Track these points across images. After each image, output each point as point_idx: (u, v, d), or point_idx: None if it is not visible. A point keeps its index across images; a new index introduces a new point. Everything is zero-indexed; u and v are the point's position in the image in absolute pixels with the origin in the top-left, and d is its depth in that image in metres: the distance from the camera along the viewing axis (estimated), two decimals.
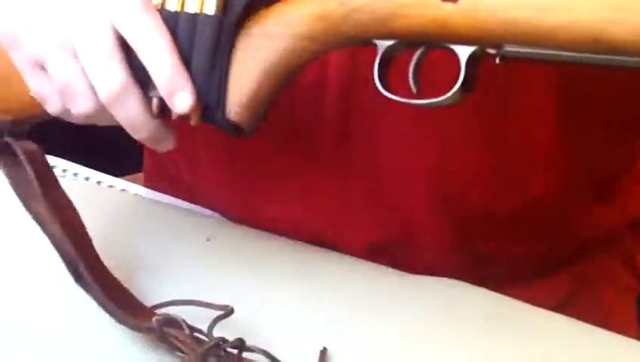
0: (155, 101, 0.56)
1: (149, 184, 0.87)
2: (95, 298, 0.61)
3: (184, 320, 0.57)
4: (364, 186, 0.71)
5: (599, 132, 0.71)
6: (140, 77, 0.55)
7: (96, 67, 0.54)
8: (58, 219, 0.61)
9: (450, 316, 0.63)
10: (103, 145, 0.68)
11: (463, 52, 0.49)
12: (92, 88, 0.55)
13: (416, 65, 0.53)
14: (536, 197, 0.71)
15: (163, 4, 0.55)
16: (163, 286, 0.66)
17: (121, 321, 0.60)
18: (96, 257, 0.62)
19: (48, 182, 0.63)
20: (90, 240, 0.63)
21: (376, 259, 0.71)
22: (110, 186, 0.85)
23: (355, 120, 0.69)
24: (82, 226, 0.63)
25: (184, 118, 0.55)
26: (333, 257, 0.71)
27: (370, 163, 0.70)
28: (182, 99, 0.54)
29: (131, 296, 0.63)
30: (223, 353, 0.56)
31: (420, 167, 0.69)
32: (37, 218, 0.63)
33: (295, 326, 0.62)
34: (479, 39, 0.48)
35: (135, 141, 0.59)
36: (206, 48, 0.54)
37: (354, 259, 0.70)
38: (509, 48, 0.47)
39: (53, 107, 0.59)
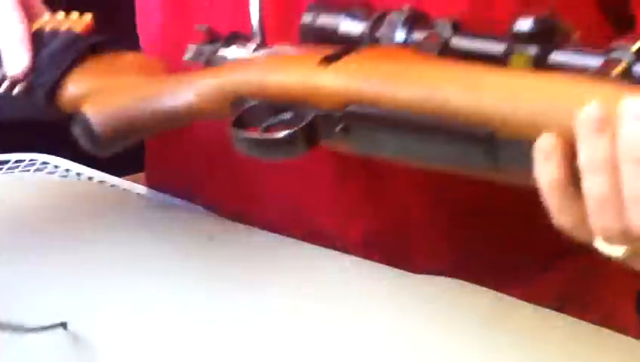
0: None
1: (150, 184, 0.88)
2: None
3: None
4: (361, 175, 0.72)
5: None
6: None
7: None
8: None
9: (450, 316, 0.63)
10: None
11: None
12: None
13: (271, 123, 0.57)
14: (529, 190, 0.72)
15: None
16: (164, 284, 0.66)
17: None
18: None
19: None
20: None
21: (372, 254, 0.71)
22: (112, 186, 0.85)
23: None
24: None
25: (13, 85, 0.67)
26: (333, 256, 0.71)
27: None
28: (15, 62, 0.66)
29: None
30: None
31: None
32: None
33: (292, 323, 0.62)
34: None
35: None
36: (58, 45, 0.68)
37: (353, 257, 0.70)
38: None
39: None
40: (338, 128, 0.53)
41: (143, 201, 0.81)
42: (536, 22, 0.48)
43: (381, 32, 0.54)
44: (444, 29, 0.52)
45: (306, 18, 0.57)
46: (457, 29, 0.52)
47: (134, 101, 0.62)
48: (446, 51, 0.51)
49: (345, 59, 0.53)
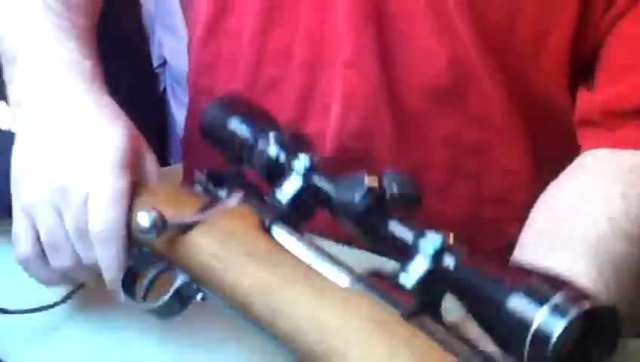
0: None
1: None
2: None
3: None
4: None
5: None
6: None
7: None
8: None
9: (449, 316, 0.63)
10: None
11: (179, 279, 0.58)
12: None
13: (151, 279, 0.62)
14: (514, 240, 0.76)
15: None
16: None
17: None
18: None
19: None
20: None
21: None
22: None
23: None
24: None
25: None
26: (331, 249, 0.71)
27: None
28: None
29: None
30: None
31: None
32: None
33: None
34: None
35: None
36: None
37: (351, 249, 0.71)
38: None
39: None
40: (198, 296, 0.58)
41: None
42: (368, 195, 0.50)
43: (260, 143, 0.57)
44: (303, 162, 0.55)
45: (207, 110, 0.61)
46: (315, 168, 0.55)
47: None
48: (304, 193, 0.55)
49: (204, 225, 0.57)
